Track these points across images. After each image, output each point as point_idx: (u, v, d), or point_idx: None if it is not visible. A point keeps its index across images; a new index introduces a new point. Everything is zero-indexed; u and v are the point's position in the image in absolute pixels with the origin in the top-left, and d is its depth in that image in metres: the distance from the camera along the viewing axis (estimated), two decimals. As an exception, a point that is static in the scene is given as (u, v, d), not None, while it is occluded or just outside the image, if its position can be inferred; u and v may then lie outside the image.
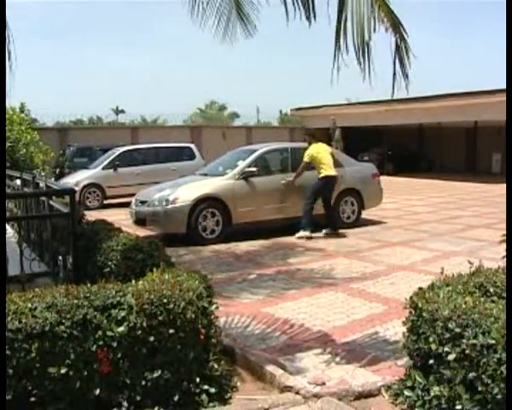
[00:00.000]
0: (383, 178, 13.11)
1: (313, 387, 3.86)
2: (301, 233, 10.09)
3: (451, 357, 2.98)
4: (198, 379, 3.36)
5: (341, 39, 4.30)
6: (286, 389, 3.85)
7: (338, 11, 4.32)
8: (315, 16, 4.65)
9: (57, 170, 19.96)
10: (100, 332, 3.07)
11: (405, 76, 4.49)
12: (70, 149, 21.09)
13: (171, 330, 3.22)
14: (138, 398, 3.16)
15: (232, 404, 3.58)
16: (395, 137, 30.33)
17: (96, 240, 4.72)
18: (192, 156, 17.88)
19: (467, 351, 2.90)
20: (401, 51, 4.44)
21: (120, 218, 11.67)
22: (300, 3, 4.63)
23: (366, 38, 4.30)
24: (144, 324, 3.15)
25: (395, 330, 4.89)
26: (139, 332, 3.14)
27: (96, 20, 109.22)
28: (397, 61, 4.44)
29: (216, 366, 3.51)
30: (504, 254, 3.82)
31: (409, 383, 3.39)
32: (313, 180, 10.71)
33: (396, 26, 4.39)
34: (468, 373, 2.91)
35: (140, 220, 10.27)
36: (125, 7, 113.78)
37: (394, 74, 4.47)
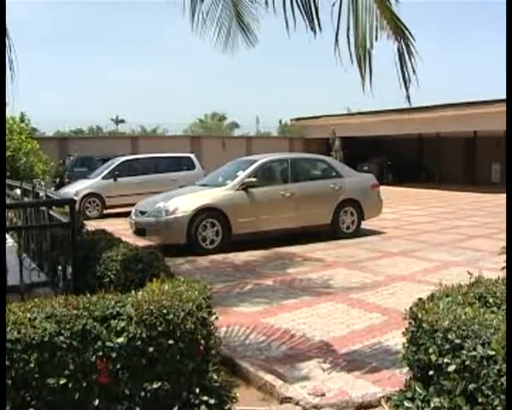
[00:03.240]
0: (383, 188, 13.13)
1: (313, 398, 3.85)
2: None
3: (451, 368, 2.97)
4: (197, 390, 3.34)
5: (350, 46, 4.27)
6: (286, 400, 3.84)
7: (337, 20, 4.31)
8: (320, 26, 4.54)
9: (57, 179, 19.99)
10: (99, 343, 3.06)
11: (409, 83, 4.43)
12: (70, 159, 21.14)
13: (171, 341, 3.21)
14: (138, 409, 3.15)
15: (232, 415, 3.57)
16: (395, 147, 30.39)
17: (96, 250, 4.71)
18: (192, 166, 17.91)
19: (467, 362, 2.89)
20: (405, 58, 4.39)
21: (120, 228, 11.66)
22: (304, 14, 4.56)
23: (368, 46, 4.27)
24: (144, 334, 3.14)
25: (395, 341, 4.88)
26: (138, 343, 3.13)
27: (96, 30, 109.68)
28: (404, 68, 4.38)
29: (215, 376, 3.50)
30: (504, 264, 3.82)
31: (409, 395, 3.38)
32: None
33: (400, 31, 4.34)
34: (468, 384, 2.90)
35: (140, 231, 10.26)
36: (125, 18, 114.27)
37: (404, 82, 4.41)
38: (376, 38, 4.30)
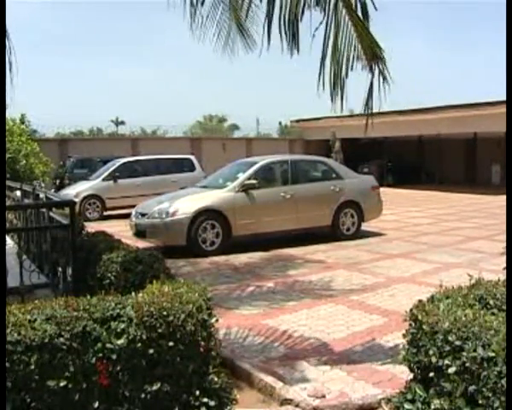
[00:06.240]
0: (383, 190, 13.14)
1: (313, 400, 3.84)
2: None
3: (452, 370, 2.97)
4: (197, 392, 3.34)
5: (321, 75, 4.43)
6: (286, 401, 3.84)
7: (322, 48, 4.42)
8: (298, 49, 4.68)
9: (57, 181, 19.98)
10: (99, 344, 3.06)
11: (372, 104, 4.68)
12: (70, 161, 21.14)
13: (171, 343, 3.21)
14: (137, 411, 3.14)
15: (232, 417, 3.57)
16: (395, 148, 30.37)
17: (96, 252, 4.71)
18: (192, 168, 17.91)
19: (467, 364, 2.89)
20: (372, 90, 4.65)
21: (120, 229, 11.66)
22: (284, 35, 4.64)
23: (343, 75, 4.41)
24: (144, 336, 3.14)
25: (395, 343, 4.88)
26: (139, 345, 3.13)
27: (95, 30, 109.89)
28: (369, 99, 4.68)
29: (215, 378, 3.49)
30: (504, 265, 3.82)
31: (409, 396, 3.37)
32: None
33: (376, 59, 4.46)
34: (468, 386, 2.90)
35: (140, 232, 10.26)
36: (124, 18, 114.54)
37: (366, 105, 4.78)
38: (352, 69, 4.49)
